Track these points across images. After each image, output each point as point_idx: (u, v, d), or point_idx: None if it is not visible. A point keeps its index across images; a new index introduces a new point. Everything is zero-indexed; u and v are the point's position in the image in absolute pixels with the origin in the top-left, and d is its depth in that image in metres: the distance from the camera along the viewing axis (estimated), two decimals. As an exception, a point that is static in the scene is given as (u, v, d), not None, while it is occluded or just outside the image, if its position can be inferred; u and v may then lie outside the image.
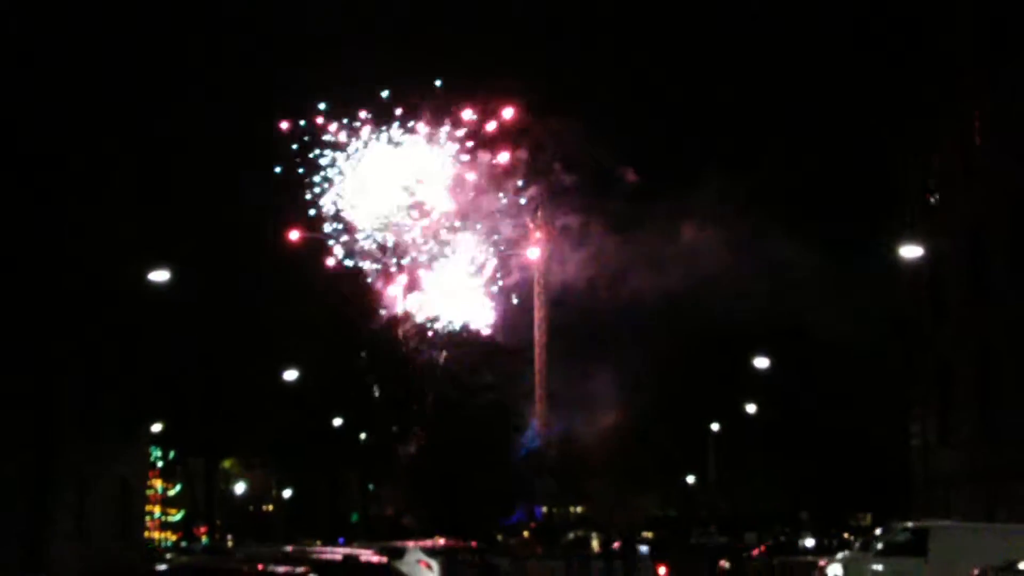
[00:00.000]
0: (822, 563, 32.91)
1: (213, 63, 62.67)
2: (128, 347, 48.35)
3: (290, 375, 62.39)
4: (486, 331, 79.71)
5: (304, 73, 78.34)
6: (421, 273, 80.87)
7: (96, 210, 47.19)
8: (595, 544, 76.06)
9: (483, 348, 77.88)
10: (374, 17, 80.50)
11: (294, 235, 76.98)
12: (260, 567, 22.85)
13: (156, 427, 60.99)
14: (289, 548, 39.20)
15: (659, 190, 76.95)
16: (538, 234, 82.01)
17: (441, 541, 50.73)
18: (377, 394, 73.49)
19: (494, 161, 79.94)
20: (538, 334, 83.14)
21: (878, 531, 33.08)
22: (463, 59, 77.89)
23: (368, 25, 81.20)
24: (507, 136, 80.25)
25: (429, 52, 78.19)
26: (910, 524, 32.10)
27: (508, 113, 79.58)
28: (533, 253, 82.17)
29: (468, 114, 79.42)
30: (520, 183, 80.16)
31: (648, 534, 76.86)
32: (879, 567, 30.27)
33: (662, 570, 54.00)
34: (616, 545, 69.17)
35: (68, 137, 46.01)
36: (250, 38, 71.41)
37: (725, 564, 55.03)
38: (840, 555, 31.48)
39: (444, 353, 76.57)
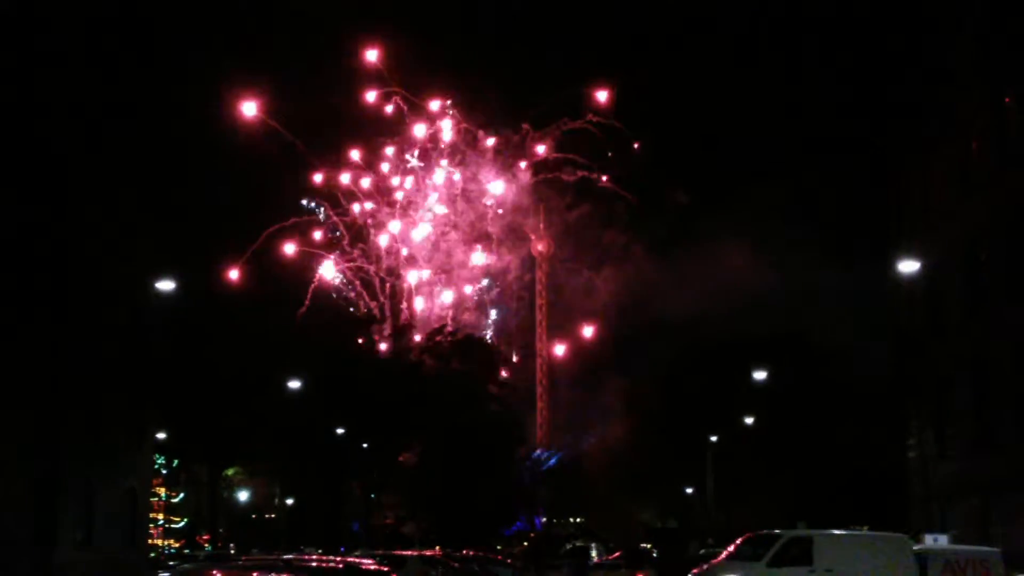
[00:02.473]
0: (702, 568, 32.86)
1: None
2: (134, 356, 48.85)
3: (293, 384, 62.82)
4: (489, 342, 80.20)
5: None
6: (426, 283, 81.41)
7: (102, 218, 47.69)
8: (594, 554, 76.33)
9: (486, 358, 78.29)
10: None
11: (289, 248, 77.33)
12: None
13: (160, 435, 61.46)
14: (290, 556, 39.60)
15: (661, 206, 77.35)
16: (540, 247, 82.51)
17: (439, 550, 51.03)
18: (379, 404, 73.93)
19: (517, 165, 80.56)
20: (539, 345, 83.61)
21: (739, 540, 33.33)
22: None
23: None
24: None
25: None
26: (795, 533, 32.44)
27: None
28: (535, 264, 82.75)
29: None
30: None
31: (646, 545, 77.09)
32: None
33: None
34: (614, 556, 69.51)
35: (77, 142, 46.52)
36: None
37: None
38: (728, 564, 31.63)
39: (447, 363, 76.99)
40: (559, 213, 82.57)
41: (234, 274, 71.33)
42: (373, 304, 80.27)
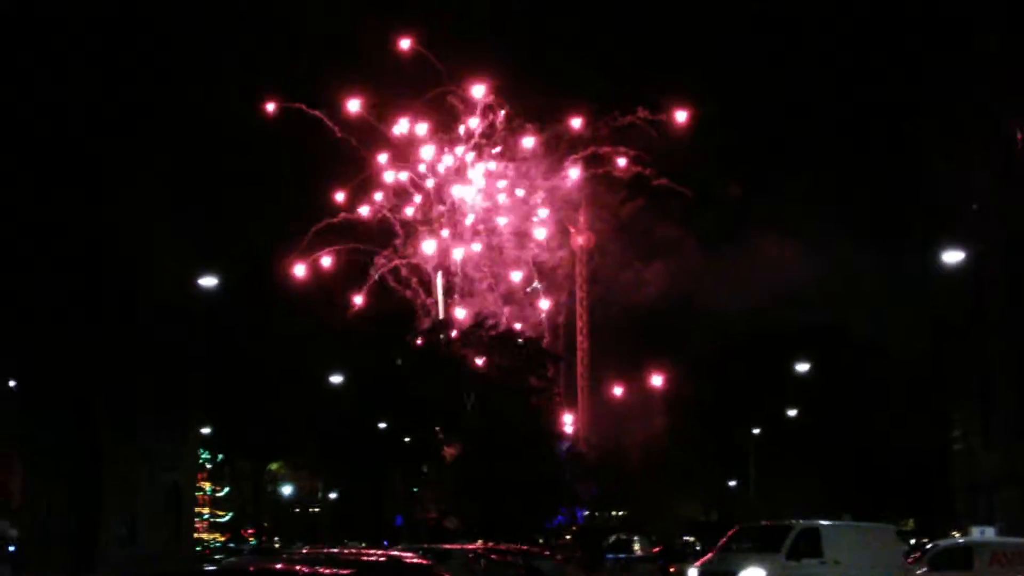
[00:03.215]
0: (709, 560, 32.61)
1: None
2: (177, 351, 49.20)
3: (336, 378, 63.10)
4: (531, 335, 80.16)
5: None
6: (468, 279, 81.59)
7: (143, 211, 48.00)
8: (637, 547, 76.25)
9: (527, 352, 78.30)
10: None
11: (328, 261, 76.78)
12: (306, 568, 23.32)
13: (205, 430, 61.94)
14: (334, 549, 39.82)
15: (705, 198, 76.95)
16: (580, 239, 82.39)
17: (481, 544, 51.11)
18: (421, 397, 74.18)
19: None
20: (580, 338, 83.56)
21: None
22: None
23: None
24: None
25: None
26: (806, 525, 32.26)
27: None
28: (574, 258, 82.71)
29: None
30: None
31: (690, 538, 76.93)
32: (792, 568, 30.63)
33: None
34: (656, 549, 69.42)
35: (121, 139, 46.85)
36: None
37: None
38: (747, 556, 31.43)
39: (489, 357, 77.10)
40: (610, 208, 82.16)
41: (289, 268, 71.39)
42: (419, 300, 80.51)
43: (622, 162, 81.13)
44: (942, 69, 51.43)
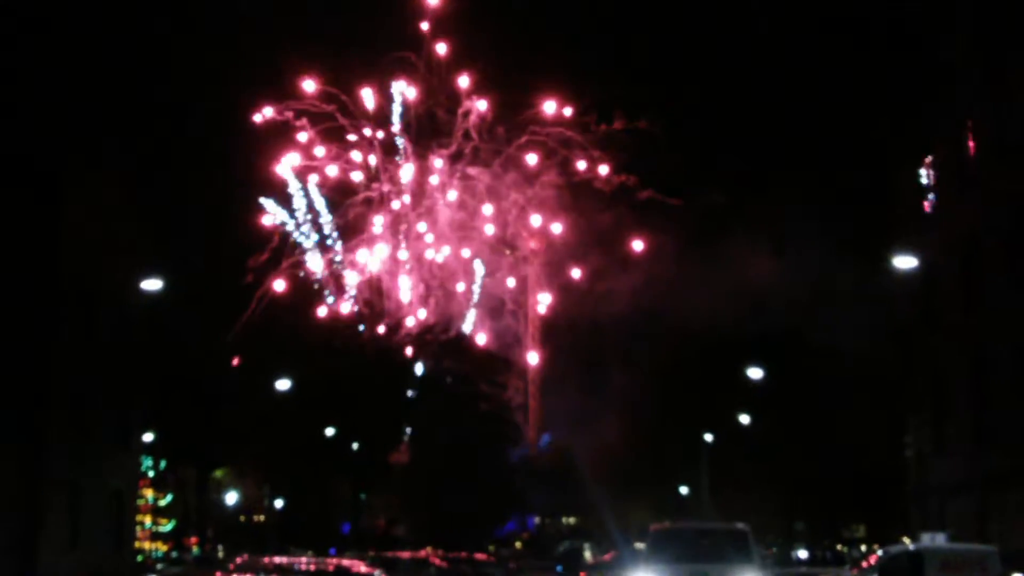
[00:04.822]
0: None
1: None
2: (120, 355, 48.26)
3: (282, 384, 62.28)
4: (480, 341, 79.44)
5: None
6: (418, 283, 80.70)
7: (89, 214, 47.10)
8: (587, 555, 75.83)
9: (477, 358, 77.65)
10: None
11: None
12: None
13: (148, 437, 60.83)
14: (278, 558, 39.02)
15: (657, 200, 76.28)
16: (532, 243, 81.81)
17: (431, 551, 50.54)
18: (369, 404, 73.39)
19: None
20: (531, 344, 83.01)
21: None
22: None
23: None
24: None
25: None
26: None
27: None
28: (524, 261, 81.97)
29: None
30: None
31: (640, 545, 76.63)
32: None
33: None
34: (608, 556, 68.98)
35: (66, 138, 46.03)
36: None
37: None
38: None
39: (438, 363, 76.43)
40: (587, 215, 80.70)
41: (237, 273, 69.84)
42: (365, 304, 79.43)
43: (603, 170, 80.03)
44: (897, 71, 51.51)
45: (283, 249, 74.26)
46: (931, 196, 50.04)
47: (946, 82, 47.98)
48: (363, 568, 38.61)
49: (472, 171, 79.82)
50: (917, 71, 50.06)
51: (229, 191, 69.11)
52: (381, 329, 76.50)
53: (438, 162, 79.24)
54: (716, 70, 76.99)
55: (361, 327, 76.42)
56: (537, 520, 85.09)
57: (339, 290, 77.42)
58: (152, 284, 45.54)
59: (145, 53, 53.88)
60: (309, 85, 74.26)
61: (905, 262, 45.31)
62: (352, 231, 79.43)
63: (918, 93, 50.09)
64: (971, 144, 46.51)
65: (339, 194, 79.19)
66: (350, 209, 79.11)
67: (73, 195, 46.03)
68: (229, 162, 68.20)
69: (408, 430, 74.99)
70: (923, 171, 50.78)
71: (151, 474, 74.82)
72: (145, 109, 53.44)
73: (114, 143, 50.05)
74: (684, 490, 79.16)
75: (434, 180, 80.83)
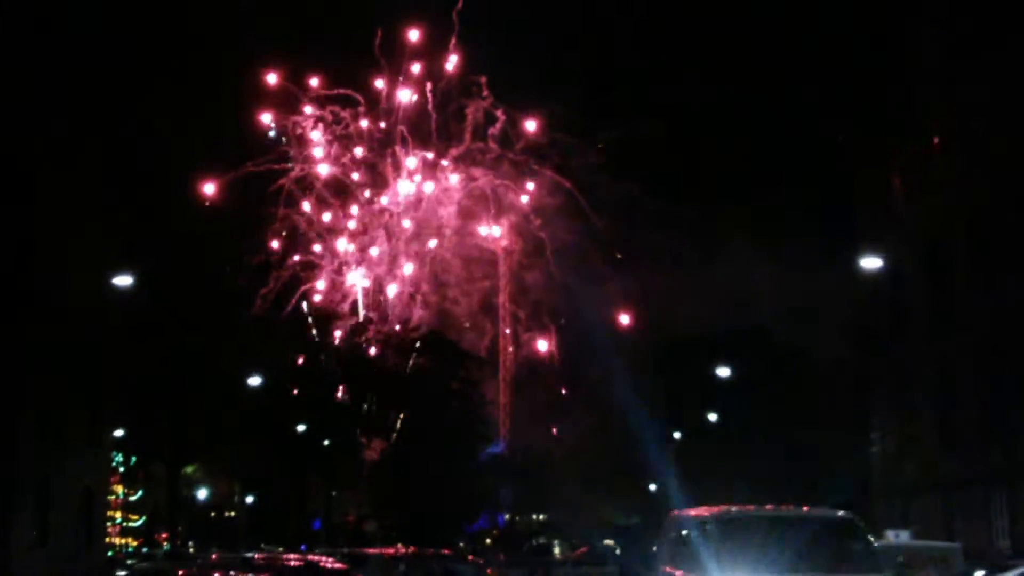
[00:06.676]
0: None
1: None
2: (90, 351, 48.16)
3: (253, 380, 62.28)
4: (453, 337, 79.54)
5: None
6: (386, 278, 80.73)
7: (61, 212, 47.02)
8: (557, 551, 76.21)
9: (449, 355, 77.73)
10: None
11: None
12: (219, 575, 22.82)
13: (118, 432, 60.74)
14: (250, 555, 39.15)
15: (626, 198, 76.50)
16: (504, 242, 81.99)
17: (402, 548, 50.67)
18: (341, 399, 73.46)
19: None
20: (503, 341, 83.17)
21: None
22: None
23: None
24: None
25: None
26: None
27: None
28: (497, 257, 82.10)
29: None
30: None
31: (610, 542, 76.97)
32: None
33: None
34: (579, 552, 69.37)
35: (35, 140, 45.85)
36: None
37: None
38: None
39: (411, 359, 76.48)
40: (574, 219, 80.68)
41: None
42: (340, 301, 79.31)
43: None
44: (864, 72, 51.80)
45: (258, 245, 74.54)
46: (897, 197, 50.44)
47: (910, 84, 48.39)
48: (333, 564, 38.79)
49: (452, 170, 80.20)
50: (882, 73, 50.43)
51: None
52: (364, 328, 76.63)
53: (411, 160, 79.48)
54: (673, 70, 77.25)
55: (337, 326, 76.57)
56: (507, 517, 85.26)
57: (313, 286, 77.59)
58: (122, 281, 45.54)
59: (124, 53, 53.69)
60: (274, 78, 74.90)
61: (871, 263, 45.66)
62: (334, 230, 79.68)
63: (883, 95, 50.44)
64: (936, 144, 46.94)
65: (332, 193, 79.57)
66: (331, 208, 79.38)
67: (43, 194, 45.96)
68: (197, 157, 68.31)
69: (379, 426, 74.94)
70: (889, 172, 51.16)
71: (121, 470, 74.74)
72: (121, 112, 53.23)
73: (86, 142, 49.86)
74: (652, 487, 79.54)
75: (428, 188, 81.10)
